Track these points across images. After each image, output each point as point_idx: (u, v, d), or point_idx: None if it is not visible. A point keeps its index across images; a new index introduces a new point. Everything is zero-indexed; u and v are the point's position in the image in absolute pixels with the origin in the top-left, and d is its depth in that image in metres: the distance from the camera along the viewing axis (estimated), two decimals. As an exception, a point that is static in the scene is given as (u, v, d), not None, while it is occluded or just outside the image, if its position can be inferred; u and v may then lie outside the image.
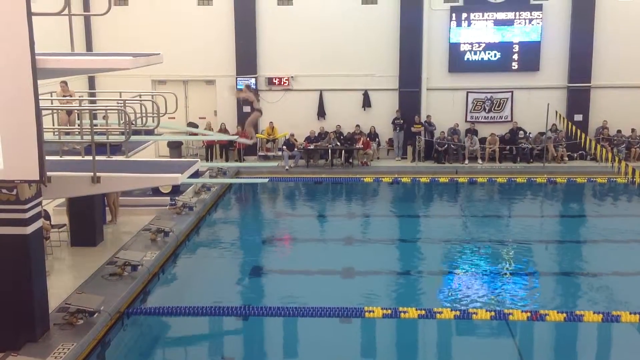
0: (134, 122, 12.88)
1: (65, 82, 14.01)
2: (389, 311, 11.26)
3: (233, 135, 21.72)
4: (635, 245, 15.34)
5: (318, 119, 23.72)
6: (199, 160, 12.08)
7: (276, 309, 11.47)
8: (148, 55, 10.41)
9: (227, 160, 22.86)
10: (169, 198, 16.97)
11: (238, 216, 19.16)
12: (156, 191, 17.22)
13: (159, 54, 10.90)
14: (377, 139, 23.38)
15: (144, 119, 14.09)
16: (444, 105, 23.46)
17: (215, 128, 23.06)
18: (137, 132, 14.09)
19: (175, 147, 22.47)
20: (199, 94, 23.95)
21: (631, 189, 19.09)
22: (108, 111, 13.73)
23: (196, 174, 15.86)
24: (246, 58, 23.44)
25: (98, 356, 10.10)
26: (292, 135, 22.88)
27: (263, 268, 14.34)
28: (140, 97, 14.50)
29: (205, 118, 23.68)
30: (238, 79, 23.46)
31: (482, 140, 22.98)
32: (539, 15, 22.68)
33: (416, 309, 11.30)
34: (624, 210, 18.92)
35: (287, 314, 11.33)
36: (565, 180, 20.87)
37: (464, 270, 13.93)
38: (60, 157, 11.69)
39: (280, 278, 13.72)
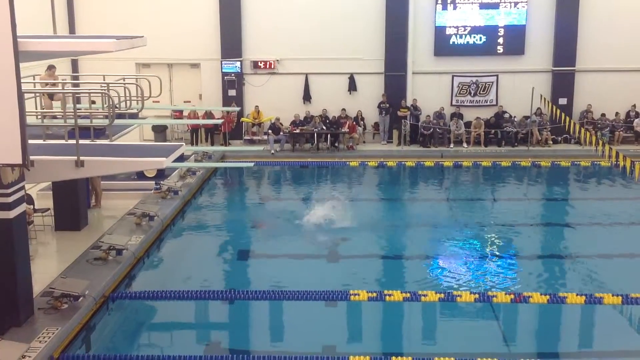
0: (117, 106, 12.79)
1: (53, 67, 13.82)
2: (375, 294, 11.31)
3: (219, 119, 21.63)
4: (618, 227, 15.49)
5: (304, 103, 23.64)
6: (184, 144, 12.03)
7: (262, 292, 11.49)
8: (132, 38, 10.35)
9: (212, 144, 22.79)
10: (154, 182, 16.89)
11: (223, 200, 19.12)
12: (141, 175, 17.13)
13: (143, 36, 10.83)
14: (362, 123, 23.36)
15: (128, 102, 13.98)
16: (430, 89, 23.46)
17: (201, 112, 22.93)
18: (121, 116, 13.99)
19: (160, 131, 22.35)
20: (183, 78, 23.78)
21: (615, 172, 19.23)
22: (92, 95, 13.61)
23: (181, 158, 15.78)
24: (231, 41, 23.28)
25: (83, 340, 10.10)
26: (278, 119, 22.80)
27: (248, 252, 14.35)
28: (124, 81, 14.39)
29: (190, 102, 23.54)
30: (223, 62, 23.31)
31: (468, 124, 23.03)
32: (524, -1, 22.71)
33: (401, 292, 11.35)
34: (607, 194, 19.07)
35: (273, 298, 11.36)
36: (550, 164, 21.00)
37: (448, 254, 14.02)
38: (44, 140, 11.58)
39: (266, 262, 13.74)
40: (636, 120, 22.74)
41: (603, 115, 22.92)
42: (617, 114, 22.93)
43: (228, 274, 13.22)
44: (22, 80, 8.57)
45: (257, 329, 11.06)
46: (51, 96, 13.54)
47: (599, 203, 17.86)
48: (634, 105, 22.97)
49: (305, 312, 11.09)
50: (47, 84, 13.53)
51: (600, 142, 17.33)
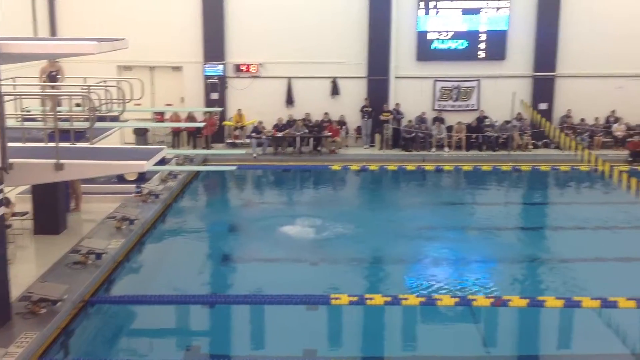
0: (98, 109, 12.70)
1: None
2: (356, 298, 11.33)
3: (201, 122, 21.57)
4: (596, 232, 15.62)
5: (286, 107, 23.63)
6: (165, 147, 11.99)
7: (243, 297, 11.48)
8: (113, 41, 10.31)
9: (194, 148, 22.69)
10: (134, 186, 16.79)
11: (205, 204, 19.08)
12: (121, 179, 17.03)
13: (124, 39, 10.78)
14: (345, 127, 23.41)
15: (109, 105, 13.90)
16: (412, 94, 23.55)
17: (183, 115, 22.87)
18: (102, 119, 13.91)
19: (141, 134, 22.23)
20: (165, 81, 23.67)
21: (594, 176, 19.42)
22: (73, 97, 13.52)
23: (162, 161, 15.71)
24: (214, 44, 23.24)
25: (61, 345, 10.00)
26: (260, 122, 22.78)
27: (230, 256, 14.31)
28: (105, 83, 14.30)
29: (172, 105, 23.44)
30: (206, 65, 23.25)
31: (449, 129, 23.17)
32: (506, 4, 22.85)
33: (382, 296, 11.40)
34: (586, 198, 19.26)
35: (254, 302, 11.34)
36: (530, 168, 21.17)
37: (430, 257, 14.07)
38: (23, 143, 11.48)
39: (247, 266, 13.71)
40: (615, 125, 22.99)
41: (582, 120, 23.15)
42: (596, 119, 23.18)
43: (209, 278, 13.18)
44: (1, 83, 8.50)
45: (237, 334, 11.04)
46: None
47: (579, 207, 18.03)
48: (613, 111, 23.22)
49: (286, 316, 11.07)
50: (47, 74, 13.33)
51: (580, 147, 17.50)
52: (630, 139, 22.09)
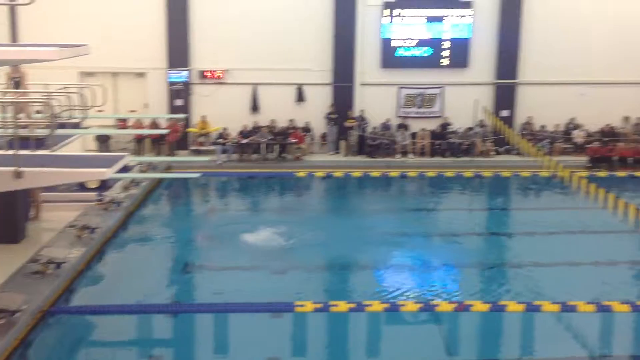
0: (59, 115, 12.52)
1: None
2: (320, 305, 11.34)
3: (164, 129, 21.40)
4: (557, 236, 15.89)
5: (252, 113, 23.59)
6: (127, 154, 11.85)
7: (206, 305, 11.41)
8: (75, 47, 10.18)
9: (158, 155, 22.48)
10: (96, 193, 16.56)
11: (169, 211, 18.91)
12: (83, 186, 16.78)
13: (86, 45, 10.67)
14: (310, 134, 23.45)
15: (71, 111, 13.68)
16: (377, 100, 23.70)
17: (146, 122, 22.65)
18: (63, 126, 13.69)
19: (103, 141, 21.97)
20: (129, 87, 23.44)
21: (554, 182, 19.76)
22: (34, 104, 13.30)
23: (125, 169, 15.52)
24: (178, 50, 23.10)
25: (20, 357, 9.79)
26: (225, 129, 22.70)
27: (193, 264, 14.19)
28: (66, 90, 14.09)
29: (135, 111, 23.21)
30: (169, 71, 23.10)
31: (413, 135, 23.38)
32: (469, 13, 23.17)
33: (346, 302, 11.42)
34: (547, 203, 19.60)
35: (218, 310, 11.27)
36: (492, 174, 21.46)
37: (394, 264, 14.16)
38: (-20, 151, 11.24)
39: (211, 274, 13.61)
40: (575, 131, 23.44)
41: (543, 127, 23.57)
42: (557, 125, 23.61)
43: (171, 286, 13.04)
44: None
45: (201, 343, 10.93)
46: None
47: (539, 213, 18.33)
48: (573, 118, 23.69)
49: (250, 325, 11.02)
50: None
51: (540, 153, 17.79)
52: (589, 145, 22.55)
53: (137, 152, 22.36)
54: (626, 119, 23.80)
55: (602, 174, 21.28)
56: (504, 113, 23.29)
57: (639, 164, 21.94)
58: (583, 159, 22.28)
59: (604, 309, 11.24)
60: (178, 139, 22.74)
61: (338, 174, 21.39)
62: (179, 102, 23.22)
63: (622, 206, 13.00)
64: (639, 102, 23.73)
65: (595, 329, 11.11)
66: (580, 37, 23.28)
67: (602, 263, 13.96)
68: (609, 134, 23.11)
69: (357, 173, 21.49)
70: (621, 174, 21.43)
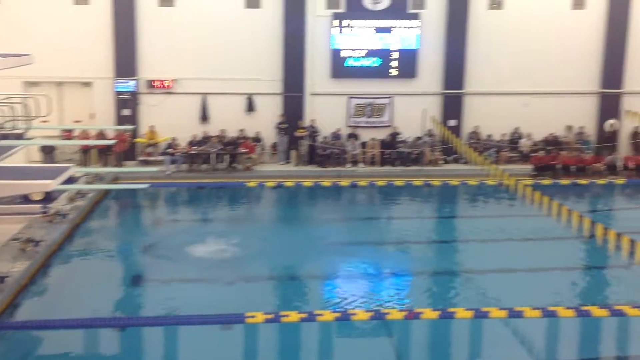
0: (2, 126, 12.21)
1: None
2: (271, 316, 11.31)
3: (111, 139, 21.03)
4: (504, 243, 16.21)
5: (201, 123, 23.42)
6: (72, 165, 11.64)
7: (155, 318, 11.22)
8: (18, 56, 9.99)
9: (105, 166, 22.06)
10: (40, 206, 16.13)
11: (116, 223, 18.56)
12: (26, 198, 16.31)
13: (30, 54, 10.47)
14: (261, 143, 23.39)
15: (14, 122, 13.35)
16: (327, 110, 23.81)
17: (93, 132, 22.24)
18: (6, 137, 13.34)
19: (48, 152, 21.47)
20: (74, 97, 22.95)
21: (500, 190, 20.16)
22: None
23: (71, 180, 15.18)
24: (125, 59, 22.78)
25: (-39, 375, 9.49)
26: (174, 139, 22.45)
27: (142, 277, 13.99)
28: (9, 100, 13.74)
29: (81, 121, 22.75)
30: (116, 81, 22.75)
31: (363, 145, 23.56)
32: (416, 24, 23.52)
33: (298, 313, 11.41)
34: (494, 211, 19.97)
35: (167, 323, 11.11)
36: (441, 183, 21.79)
37: (344, 273, 14.21)
38: None
39: (160, 287, 13.42)
40: (521, 140, 23.99)
41: (489, 136, 24.05)
42: (503, 135, 24.13)
43: (119, 300, 12.79)
44: None
45: (150, 357, 10.76)
46: None
47: (486, 220, 18.67)
48: (517, 127, 24.25)
49: (200, 337, 10.90)
50: None
51: (487, 162, 18.14)
52: (534, 154, 23.11)
53: (83, 163, 21.91)
54: (569, 128, 24.49)
55: (546, 181, 21.85)
56: (452, 122, 23.69)
57: (581, 171, 22.59)
58: (528, 167, 22.82)
59: (549, 315, 11.50)
60: (125, 149, 22.39)
61: (289, 183, 21.39)
62: (126, 112, 22.88)
63: (566, 213, 13.34)
64: (580, 111, 24.49)
65: (541, 334, 11.35)
66: (524, 49, 23.87)
67: (548, 269, 14.31)
68: (552, 143, 23.74)
69: (308, 183, 21.53)
70: (564, 181, 22.03)
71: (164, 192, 21.03)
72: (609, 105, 24.26)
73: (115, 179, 20.94)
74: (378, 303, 12.40)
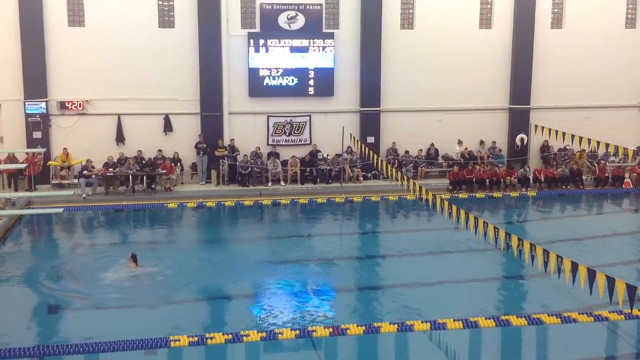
0: None
1: None
2: (196, 338, 11.09)
3: (22, 163, 20.22)
4: (425, 257, 16.55)
5: (117, 144, 22.91)
6: (-20, 191, 11.09)
7: (74, 346, 10.78)
8: None
9: (16, 190, 21.17)
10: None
11: (29, 250, 17.73)
12: None
13: None
14: (180, 164, 23.06)
15: None
16: (246, 129, 23.80)
17: (2, 156, 21.33)
18: None
19: (-47, 178, 20.43)
20: (-19, 119, 22.04)
21: (419, 205, 20.63)
22: None
23: (-21, 206, 14.49)
24: (35, 80, 22.03)
25: None
26: (89, 161, 21.83)
27: (58, 304, 13.39)
28: None
29: (-11, 145, 21.83)
30: (26, 102, 21.94)
31: (284, 163, 23.63)
32: (331, 43, 23.88)
33: (223, 334, 11.24)
34: (414, 225, 20.38)
35: (87, 351, 10.70)
36: (362, 199, 22.08)
37: (269, 292, 14.12)
38: None
39: (79, 313, 12.95)
40: (439, 157, 24.65)
41: (407, 152, 24.60)
42: (420, 150, 24.73)
43: (36, 329, 12.25)
44: None
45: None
46: None
47: (407, 234, 19.02)
48: (432, 143, 24.92)
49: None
50: None
51: (405, 178, 18.51)
52: (450, 169, 23.78)
53: (-8, 188, 20.99)
54: (481, 142, 25.38)
55: (462, 195, 22.53)
56: (370, 139, 24.10)
57: (496, 185, 23.42)
58: (445, 181, 23.45)
59: (471, 325, 11.79)
60: (37, 173, 21.57)
61: (210, 204, 21.16)
62: (37, 135, 22.10)
63: (482, 225, 13.75)
64: (492, 127, 25.45)
65: (464, 345, 11.62)
66: (436, 68, 24.70)
67: (468, 280, 14.69)
68: (467, 158, 24.51)
69: (229, 202, 21.36)
70: (480, 195, 22.77)
71: (80, 216, 20.35)
72: (519, 121, 25.34)
73: (28, 203, 20.13)
74: (304, 321, 12.37)
